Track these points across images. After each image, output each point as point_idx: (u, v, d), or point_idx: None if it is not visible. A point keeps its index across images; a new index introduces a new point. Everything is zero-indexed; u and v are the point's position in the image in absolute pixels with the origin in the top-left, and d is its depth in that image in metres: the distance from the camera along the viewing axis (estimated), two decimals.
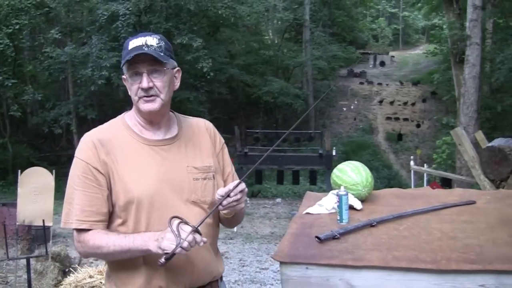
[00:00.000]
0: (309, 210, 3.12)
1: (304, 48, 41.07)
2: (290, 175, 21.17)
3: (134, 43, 2.47)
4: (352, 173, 3.21)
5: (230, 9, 26.17)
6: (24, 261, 7.79)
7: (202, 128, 2.75)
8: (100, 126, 2.63)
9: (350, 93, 47.33)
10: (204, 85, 26.99)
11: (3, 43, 21.66)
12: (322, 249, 2.51)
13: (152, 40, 2.48)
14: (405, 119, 41.00)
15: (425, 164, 19.65)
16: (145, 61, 2.44)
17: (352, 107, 44.38)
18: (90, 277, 4.58)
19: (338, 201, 2.86)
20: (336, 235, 2.62)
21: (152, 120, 2.56)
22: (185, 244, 2.20)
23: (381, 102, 45.69)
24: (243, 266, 10.19)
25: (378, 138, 39.35)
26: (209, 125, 2.80)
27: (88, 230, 2.43)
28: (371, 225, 2.79)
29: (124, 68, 2.49)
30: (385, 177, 30.25)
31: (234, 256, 11.16)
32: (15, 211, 7.40)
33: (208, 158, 2.65)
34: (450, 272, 2.26)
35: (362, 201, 3.19)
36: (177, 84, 2.63)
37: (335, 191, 3.03)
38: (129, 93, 2.54)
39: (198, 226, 2.28)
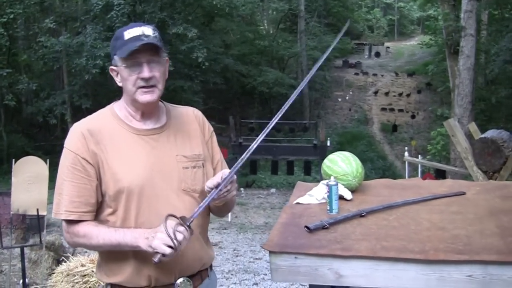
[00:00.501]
0: (299, 200, 3.13)
1: (299, 38, 40.99)
2: (284, 165, 21.23)
3: (131, 33, 2.46)
4: (342, 164, 3.23)
5: None
6: (18, 250, 7.80)
7: (191, 116, 2.75)
8: (89, 116, 2.62)
9: (345, 84, 47.30)
10: (199, 75, 26.93)
11: None
12: (311, 238, 2.53)
13: (148, 30, 2.48)
14: (400, 110, 41.02)
15: (419, 155, 19.70)
16: (145, 51, 2.44)
17: (347, 97, 44.35)
18: (82, 265, 4.59)
19: (328, 191, 2.88)
20: (326, 225, 2.63)
21: (145, 110, 2.56)
22: (182, 245, 2.27)
23: (376, 93, 45.67)
24: (237, 256, 10.22)
25: (373, 129, 39.37)
26: (198, 113, 2.80)
27: (78, 221, 2.44)
28: (360, 215, 2.81)
29: (119, 59, 2.47)
30: (380, 168, 30.30)
31: (228, 246, 11.19)
32: (10, 200, 7.39)
33: (197, 147, 2.65)
34: (438, 262, 2.28)
35: (353, 191, 3.21)
36: (167, 73, 2.63)
37: (325, 181, 3.04)
38: (122, 83, 2.52)
39: (190, 222, 2.30)
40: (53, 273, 4.87)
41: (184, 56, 24.91)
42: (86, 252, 8.06)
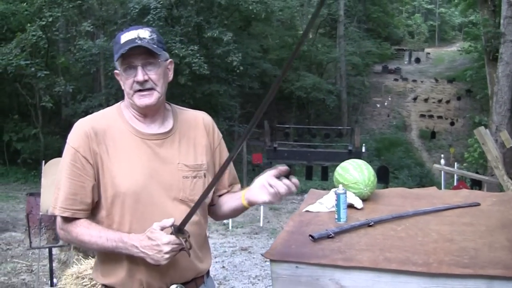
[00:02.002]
0: (309, 208, 3.10)
1: (338, 43, 40.93)
2: (319, 171, 21.15)
3: (126, 36, 2.44)
4: (354, 172, 3.18)
5: (261, 4, 26.07)
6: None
7: (199, 122, 2.70)
8: (96, 114, 2.61)
9: (384, 90, 47.04)
10: (236, 79, 26.98)
11: (36, 35, 21.84)
12: (314, 248, 2.49)
13: (144, 33, 2.45)
14: (439, 117, 40.68)
15: (456, 163, 19.45)
16: (139, 54, 2.42)
17: (385, 103, 44.09)
18: (91, 268, 4.61)
19: (336, 200, 2.83)
20: (331, 234, 2.59)
21: (146, 113, 2.53)
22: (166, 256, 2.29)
23: (415, 99, 45.34)
24: (265, 261, 10.16)
25: (411, 136, 39.08)
26: (208, 119, 2.74)
27: (72, 219, 2.44)
28: (368, 224, 2.75)
29: (118, 63, 2.46)
30: (417, 175, 30.01)
31: (257, 251, 11.15)
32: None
33: (201, 156, 2.61)
34: (440, 275, 2.21)
35: (364, 200, 3.16)
36: (171, 76, 2.61)
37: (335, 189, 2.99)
38: (123, 87, 2.51)
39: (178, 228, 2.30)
40: (63, 275, 4.89)
41: (220, 60, 24.99)
42: None
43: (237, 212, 2.68)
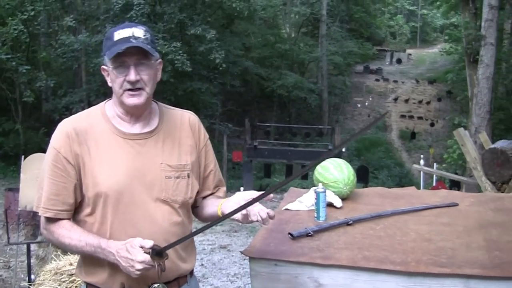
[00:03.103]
0: (289, 206, 3.11)
1: (320, 43, 40.97)
2: (299, 169, 21.18)
3: (120, 34, 2.42)
4: (334, 170, 3.19)
5: (244, 2, 26.04)
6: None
7: (185, 122, 2.67)
8: (79, 114, 2.60)
9: (365, 90, 47.17)
10: (217, 77, 26.92)
11: (18, 29, 21.61)
12: (293, 246, 2.51)
13: (139, 32, 2.43)
14: (419, 118, 40.83)
15: (435, 164, 19.55)
16: (133, 53, 2.39)
17: (366, 103, 44.21)
18: (70, 264, 4.59)
19: (316, 198, 2.84)
20: (310, 233, 2.61)
21: (133, 113, 2.51)
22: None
23: (396, 99, 45.49)
24: (244, 259, 10.15)
25: (392, 136, 39.21)
26: (194, 119, 2.71)
27: (55, 219, 2.44)
28: (347, 223, 2.77)
29: (108, 59, 2.43)
30: (397, 175, 30.14)
31: (236, 249, 11.13)
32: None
33: (186, 156, 2.59)
34: (419, 274, 2.24)
35: (344, 199, 3.17)
36: (159, 76, 2.58)
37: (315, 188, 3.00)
38: (111, 84, 2.49)
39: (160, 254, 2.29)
40: (42, 271, 4.86)
41: (202, 57, 24.93)
42: None
43: (213, 219, 2.65)
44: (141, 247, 2.25)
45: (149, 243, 2.26)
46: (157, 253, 2.26)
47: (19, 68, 21.85)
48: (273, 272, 2.38)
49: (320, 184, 2.91)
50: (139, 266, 2.24)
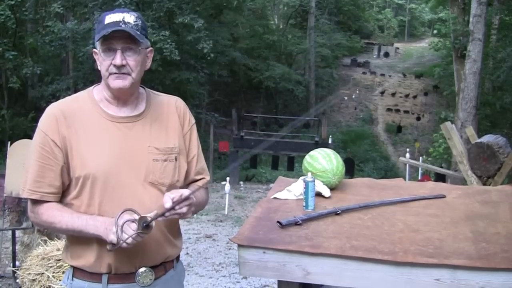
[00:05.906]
0: (277, 195, 3.11)
1: (308, 35, 41.02)
2: (285, 161, 21.21)
3: (111, 18, 2.43)
4: (323, 160, 3.20)
5: None
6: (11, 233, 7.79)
7: (172, 106, 2.69)
8: (67, 98, 2.63)
9: (352, 83, 47.27)
10: (205, 67, 26.83)
11: (4, 15, 21.43)
12: (282, 234, 2.51)
13: (129, 17, 2.45)
14: (406, 112, 40.98)
15: (420, 157, 19.66)
16: (121, 38, 2.41)
17: (353, 96, 44.28)
18: (58, 250, 4.58)
19: (304, 188, 2.85)
20: (298, 221, 2.62)
21: (119, 96, 2.53)
22: (124, 245, 2.27)
23: (382, 93, 45.61)
24: (229, 249, 10.18)
25: (378, 129, 39.32)
26: (180, 104, 2.74)
27: (42, 202, 2.44)
28: (335, 213, 2.78)
29: (98, 43, 2.45)
30: (382, 168, 30.28)
31: (221, 238, 11.15)
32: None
33: (173, 139, 2.61)
34: (406, 264, 2.25)
35: (332, 189, 3.18)
36: (149, 64, 2.61)
37: (304, 177, 3.01)
38: (99, 67, 2.50)
39: (146, 223, 2.28)
40: (28, 256, 4.86)
41: (190, 47, 24.83)
42: (64, 237, 8.05)
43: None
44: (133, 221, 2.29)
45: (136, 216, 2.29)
46: (146, 226, 2.27)
47: (5, 53, 21.70)
48: (261, 259, 2.39)
49: (309, 174, 2.92)
50: (130, 232, 2.26)
